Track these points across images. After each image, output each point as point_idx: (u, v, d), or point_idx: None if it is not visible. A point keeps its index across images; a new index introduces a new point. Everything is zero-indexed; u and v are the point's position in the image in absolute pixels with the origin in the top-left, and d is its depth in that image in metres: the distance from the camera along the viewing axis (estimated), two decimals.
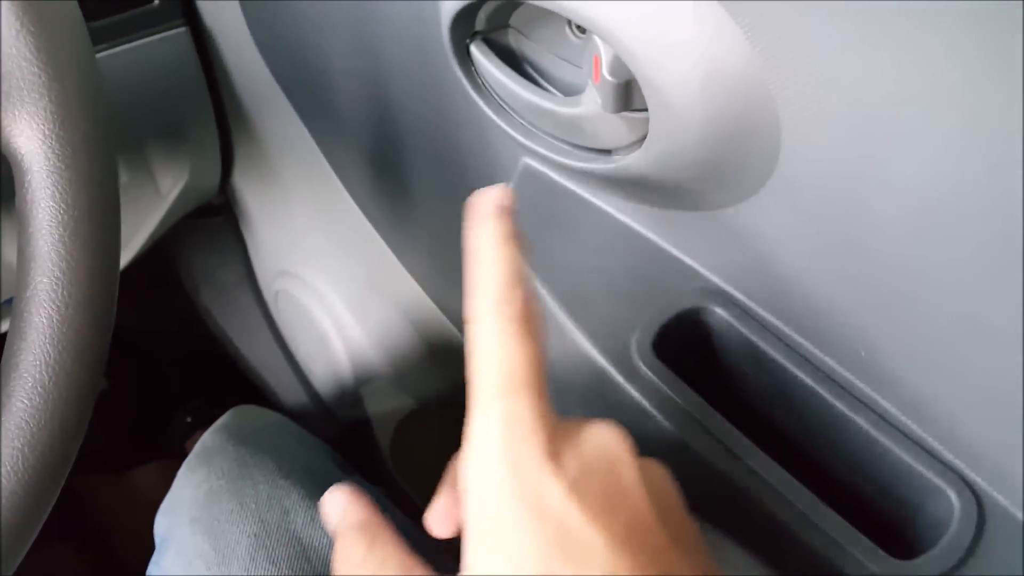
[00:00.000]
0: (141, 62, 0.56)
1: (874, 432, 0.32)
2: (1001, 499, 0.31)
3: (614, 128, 0.34)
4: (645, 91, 0.30)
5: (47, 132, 0.30)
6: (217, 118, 0.66)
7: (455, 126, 0.43)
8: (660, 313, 0.35)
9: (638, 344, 0.35)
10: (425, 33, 0.38)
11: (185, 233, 0.85)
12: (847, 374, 0.33)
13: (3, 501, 0.29)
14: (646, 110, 0.31)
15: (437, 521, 0.28)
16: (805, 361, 0.34)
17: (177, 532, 0.44)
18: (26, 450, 0.29)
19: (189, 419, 0.94)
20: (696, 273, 0.37)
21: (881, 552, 0.30)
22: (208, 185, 0.73)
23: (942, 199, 0.26)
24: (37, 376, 0.30)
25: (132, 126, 0.61)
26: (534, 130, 0.38)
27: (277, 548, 0.43)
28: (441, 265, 0.58)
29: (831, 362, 0.34)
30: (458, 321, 0.61)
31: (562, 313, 0.36)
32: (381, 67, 0.45)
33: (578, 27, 0.34)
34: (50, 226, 0.30)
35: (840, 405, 0.33)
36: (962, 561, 0.30)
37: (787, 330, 0.34)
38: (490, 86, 0.38)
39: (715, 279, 0.36)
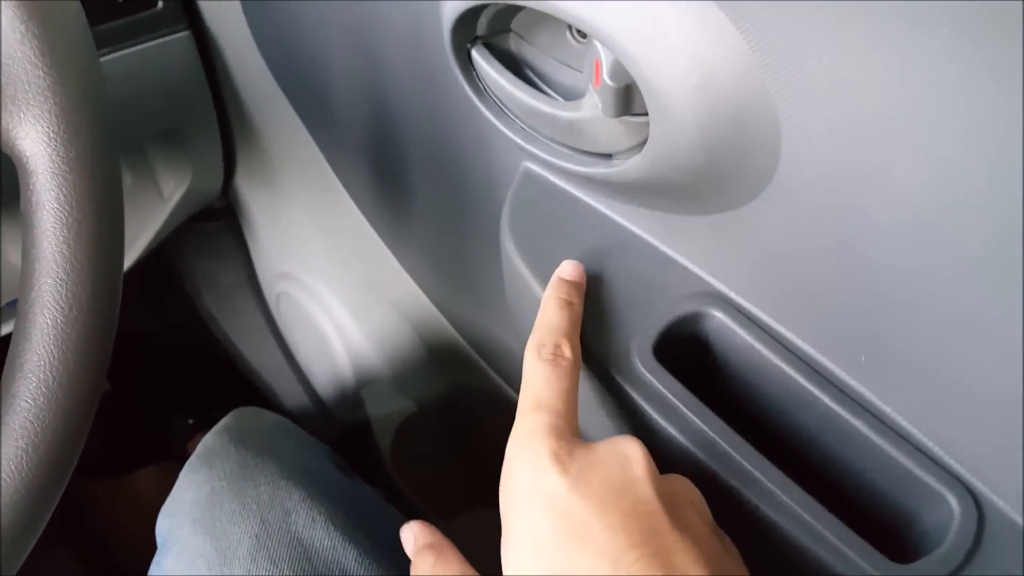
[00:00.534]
0: (144, 66, 0.56)
1: (874, 437, 0.32)
2: (1001, 504, 0.31)
3: (614, 132, 0.34)
4: (645, 95, 0.30)
5: (52, 135, 0.30)
6: (219, 122, 0.66)
7: (456, 130, 0.43)
8: (660, 317, 0.36)
9: (639, 348, 0.35)
10: (426, 38, 0.38)
11: (187, 236, 0.86)
12: (847, 379, 0.33)
13: (6, 501, 0.29)
14: (646, 114, 0.31)
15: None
16: (805, 365, 0.34)
17: (179, 533, 0.45)
18: (30, 450, 0.30)
19: (190, 421, 0.94)
20: (697, 277, 0.37)
21: (881, 556, 0.30)
22: (210, 189, 0.73)
23: (942, 206, 0.26)
24: (41, 377, 0.30)
25: (135, 129, 0.61)
26: (535, 134, 0.38)
27: (278, 549, 0.43)
28: (443, 268, 0.57)
29: (832, 367, 0.34)
30: (458, 324, 0.61)
31: None
32: (383, 71, 0.45)
33: (579, 32, 0.34)
34: (54, 228, 0.30)
35: (840, 410, 0.33)
36: (962, 565, 0.30)
37: (788, 334, 0.34)
38: (491, 90, 0.38)
39: (716, 283, 0.36)
